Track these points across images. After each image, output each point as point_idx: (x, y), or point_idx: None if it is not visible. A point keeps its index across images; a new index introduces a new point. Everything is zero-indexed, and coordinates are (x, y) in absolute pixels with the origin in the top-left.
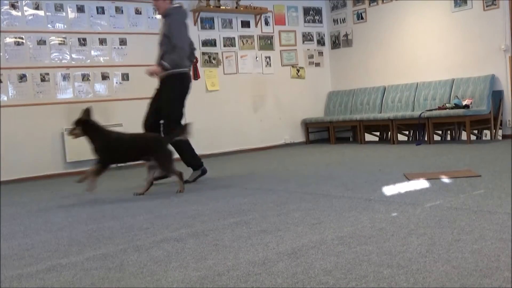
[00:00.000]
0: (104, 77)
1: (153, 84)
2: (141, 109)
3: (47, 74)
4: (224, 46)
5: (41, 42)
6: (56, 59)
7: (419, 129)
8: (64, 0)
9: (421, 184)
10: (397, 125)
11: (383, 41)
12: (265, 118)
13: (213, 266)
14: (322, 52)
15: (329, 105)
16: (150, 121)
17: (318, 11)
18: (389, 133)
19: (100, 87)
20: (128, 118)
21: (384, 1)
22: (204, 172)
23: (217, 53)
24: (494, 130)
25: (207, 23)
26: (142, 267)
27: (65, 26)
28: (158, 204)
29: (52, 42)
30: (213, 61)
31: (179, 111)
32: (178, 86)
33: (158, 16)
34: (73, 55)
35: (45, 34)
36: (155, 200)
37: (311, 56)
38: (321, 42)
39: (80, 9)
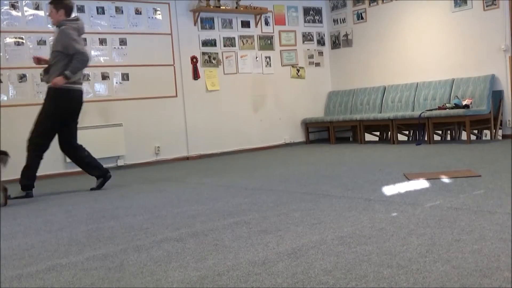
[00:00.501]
0: (104, 77)
1: (152, 84)
2: (141, 108)
3: None
4: (224, 46)
5: (41, 42)
6: None
7: (419, 129)
8: None
9: (421, 184)
10: (397, 125)
11: (383, 41)
12: (265, 118)
13: (213, 266)
14: (322, 52)
15: (329, 105)
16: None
17: (318, 11)
18: (389, 133)
19: (100, 87)
20: (128, 118)
21: (384, 1)
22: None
23: (217, 53)
24: (494, 130)
25: (207, 23)
26: (142, 267)
27: None
28: (158, 204)
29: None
30: (213, 61)
31: (44, 133)
32: (57, 105)
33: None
34: None
35: (45, 34)
36: (155, 200)
37: (311, 56)
38: (321, 42)
39: (80, 9)
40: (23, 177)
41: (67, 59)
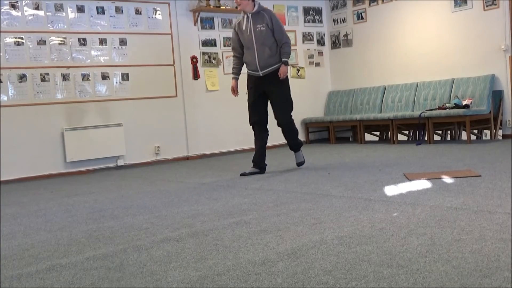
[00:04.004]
0: (104, 77)
1: (152, 84)
2: (141, 108)
3: (47, 74)
4: (224, 46)
5: (41, 42)
6: (56, 59)
7: (419, 129)
8: (64, 0)
9: (421, 184)
10: (397, 125)
11: (383, 41)
12: None
13: (213, 266)
14: (322, 52)
15: (329, 105)
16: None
17: (318, 11)
18: (389, 133)
19: (100, 87)
20: (128, 118)
21: (384, 1)
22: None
23: (217, 53)
24: (494, 130)
25: (207, 23)
26: (142, 267)
27: (65, 26)
28: (158, 204)
29: (52, 42)
30: (213, 61)
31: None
32: (287, 83)
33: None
34: (73, 55)
35: (45, 34)
36: (155, 200)
37: (311, 56)
38: (321, 42)
39: (80, 9)
40: (296, 142)
41: (275, 43)
